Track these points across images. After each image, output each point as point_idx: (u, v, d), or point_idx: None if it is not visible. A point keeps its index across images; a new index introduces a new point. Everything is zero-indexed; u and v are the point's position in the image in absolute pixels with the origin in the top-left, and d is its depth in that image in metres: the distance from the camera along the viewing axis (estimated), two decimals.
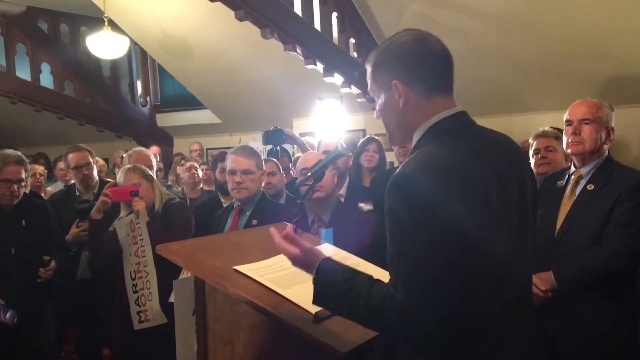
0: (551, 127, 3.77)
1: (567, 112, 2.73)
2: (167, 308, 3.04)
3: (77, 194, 4.26)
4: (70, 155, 4.21)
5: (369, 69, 1.59)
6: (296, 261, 1.56)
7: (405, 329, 1.34)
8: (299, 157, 4.71)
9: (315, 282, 1.47)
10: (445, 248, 1.31)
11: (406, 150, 3.64)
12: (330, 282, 1.45)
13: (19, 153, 3.50)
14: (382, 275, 1.97)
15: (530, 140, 3.66)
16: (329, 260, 1.51)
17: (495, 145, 1.54)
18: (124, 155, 4.71)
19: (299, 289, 1.64)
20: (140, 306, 3.17)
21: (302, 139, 5.58)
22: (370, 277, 1.43)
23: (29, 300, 3.37)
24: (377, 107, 1.60)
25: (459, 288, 1.31)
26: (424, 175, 1.35)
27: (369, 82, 1.61)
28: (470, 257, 1.33)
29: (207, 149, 8.86)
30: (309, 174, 2.08)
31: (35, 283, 3.45)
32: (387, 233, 1.39)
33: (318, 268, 1.47)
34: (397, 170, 1.42)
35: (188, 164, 5.50)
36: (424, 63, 1.49)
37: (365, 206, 3.67)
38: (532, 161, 3.56)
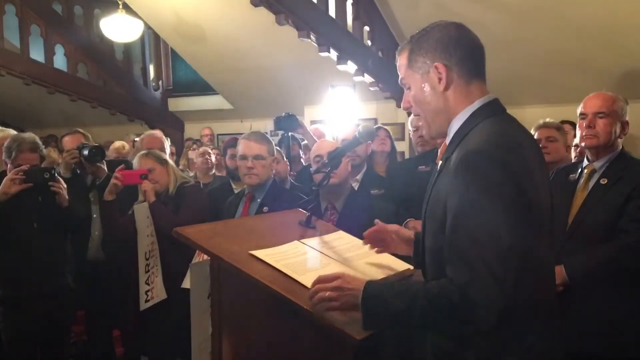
0: (566, 121, 3.76)
1: (582, 105, 2.72)
2: (171, 290, 3.11)
3: None
4: (66, 139, 4.31)
5: (403, 55, 1.62)
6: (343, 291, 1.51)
7: (469, 312, 1.32)
8: (306, 144, 4.69)
9: (365, 298, 1.45)
10: (515, 225, 1.33)
11: (423, 139, 3.59)
12: (383, 288, 1.46)
13: (35, 138, 3.54)
14: (396, 263, 1.99)
15: (532, 131, 3.64)
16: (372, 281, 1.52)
17: (529, 133, 1.61)
18: (137, 139, 4.72)
19: (315, 275, 1.64)
20: (149, 285, 3.24)
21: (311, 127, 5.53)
22: (417, 281, 1.44)
23: (51, 273, 3.46)
24: (410, 96, 1.61)
25: (521, 267, 1.33)
26: (499, 151, 1.38)
27: (401, 70, 1.63)
28: (529, 236, 1.36)
29: (217, 135, 8.85)
30: (327, 161, 2.09)
31: (59, 256, 3.54)
32: (454, 214, 1.38)
33: (366, 287, 1.47)
34: (461, 151, 1.43)
35: (201, 149, 5.48)
36: (464, 47, 1.53)
37: (376, 192, 3.65)
38: None
